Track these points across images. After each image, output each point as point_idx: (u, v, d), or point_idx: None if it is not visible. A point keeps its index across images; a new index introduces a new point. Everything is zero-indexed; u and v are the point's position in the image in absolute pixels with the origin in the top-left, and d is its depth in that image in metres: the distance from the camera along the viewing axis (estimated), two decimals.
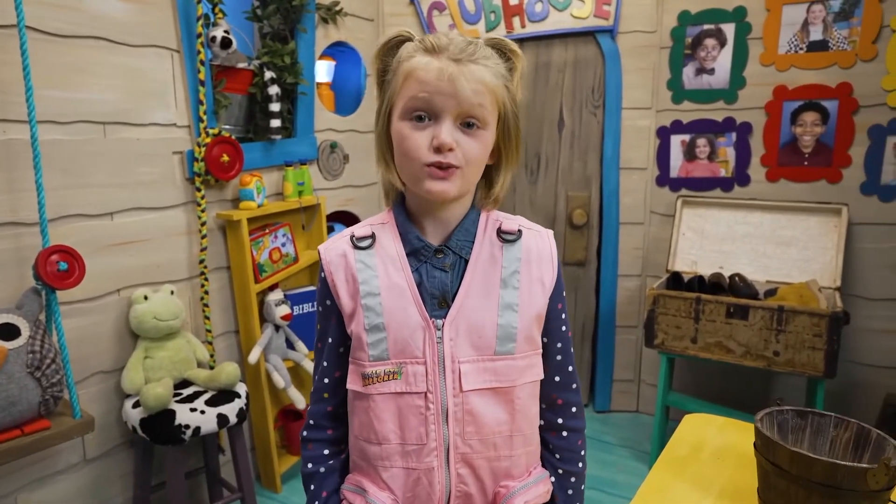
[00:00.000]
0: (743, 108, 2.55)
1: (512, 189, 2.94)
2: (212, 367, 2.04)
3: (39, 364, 1.43)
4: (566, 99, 2.83)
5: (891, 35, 2.25)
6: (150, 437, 1.71)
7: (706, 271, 2.51)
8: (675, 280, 2.47)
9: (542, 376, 0.86)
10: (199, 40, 1.92)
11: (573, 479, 0.91)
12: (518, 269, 0.83)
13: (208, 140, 1.96)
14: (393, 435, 0.81)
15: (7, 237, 1.53)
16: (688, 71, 2.62)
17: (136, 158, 1.83)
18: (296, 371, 2.39)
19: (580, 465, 0.92)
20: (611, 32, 2.68)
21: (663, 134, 2.71)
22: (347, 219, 2.83)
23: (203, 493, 2.16)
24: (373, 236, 0.84)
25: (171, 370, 1.86)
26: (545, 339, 0.86)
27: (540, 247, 0.85)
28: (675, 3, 2.60)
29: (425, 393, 0.79)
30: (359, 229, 0.86)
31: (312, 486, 0.89)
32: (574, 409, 0.91)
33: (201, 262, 2.03)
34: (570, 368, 0.90)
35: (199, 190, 1.99)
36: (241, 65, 2.13)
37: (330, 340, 0.87)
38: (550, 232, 0.88)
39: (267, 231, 2.24)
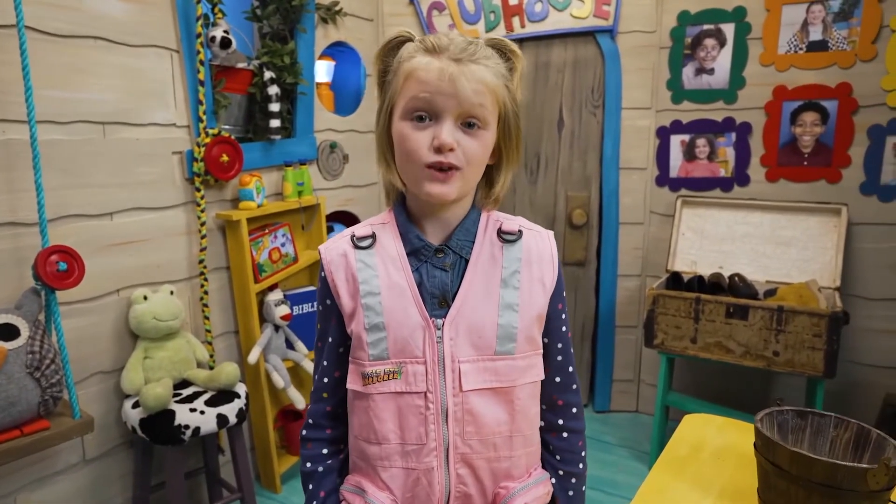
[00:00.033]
0: (742, 108, 2.55)
1: (512, 189, 2.94)
2: (211, 368, 2.04)
3: (39, 364, 1.43)
4: (566, 99, 2.83)
5: (890, 35, 2.25)
6: (150, 438, 1.70)
7: (706, 271, 2.52)
8: (675, 280, 2.47)
9: (542, 377, 0.86)
10: (199, 40, 1.92)
11: (574, 481, 0.91)
12: (518, 269, 0.83)
13: (208, 140, 1.96)
14: (392, 435, 0.81)
15: (6, 237, 1.53)
16: (687, 71, 2.62)
17: (135, 158, 1.83)
18: (295, 371, 2.39)
19: (581, 466, 0.92)
20: (610, 32, 2.68)
21: (663, 134, 2.71)
22: (347, 219, 2.83)
23: (203, 494, 2.16)
24: (373, 236, 0.84)
25: (170, 370, 1.86)
26: (546, 340, 0.87)
27: (540, 247, 0.85)
28: (674, 3, 2.60)
29: (425, 392, 0.79)
30: (359, 229, 0.86)
31: (311, 486, 0.89)
32: (574, 410, 0.91)
33: (201, 262, 2.03)
34: (571, 369, 0.90)
35: (198, 190, 1.99)
36: (241, 65, 2.13)
37: (330, 340, 0.87)
38: (551, 233, 0.88)
39: (266, 231, 2.24)
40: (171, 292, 1.88)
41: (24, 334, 1.44)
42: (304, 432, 0.91)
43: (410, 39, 0.80)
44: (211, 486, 2.11)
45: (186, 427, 1.70)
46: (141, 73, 1.82)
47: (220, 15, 2.03)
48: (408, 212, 0.85)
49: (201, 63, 1.92)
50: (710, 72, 2.58)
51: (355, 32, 2.69)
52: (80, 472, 1.75)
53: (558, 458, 0.91)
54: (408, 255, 0.82)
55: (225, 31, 2.01)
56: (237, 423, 1.83)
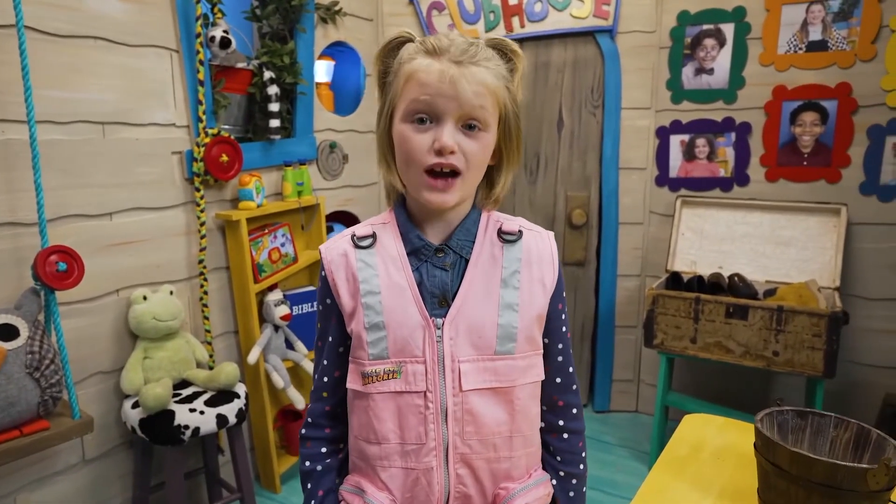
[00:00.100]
0: (742, 108, 2.55)
1: (511, 189, 2.94)
2: (211, 368, 2.04)
3: (38, 365, 1.43)
4: (565, 99, 2.83)
5: (890, 35, 2.25)
6: (150, 438, 1.70)
7: (705, 271, 2.52)
8: (675, 280, 2.47)
9: (542, 377, 0.86)
10: (199, 40, 1.91)
11: (574, 482, 0.91)
12: (518, 270, 0.83)
13: (207, 140, 1.96)
14: (392, 434, 0.81)
15: (6, 237, 1.53)
16: (687, 71, 2.63)
17: (135, 158, 1.82)
18: (295, 371, 2.39)
19: (581, 466, 0.92)
20: (610, 32, 2.68)
21: (662, 134, 2.71)
22: (347, 219, 2.83)
23: (202, 494, 2.16)
24: (374, 236, 0.84)
25: (170, 370, 1.85)
26: (546, 340, 0.87)
27: (541, 248, 0.85)
28: (674, 3, 2.60)
29: (424, 392, 0.79)
30: (360, 229, 0.86)
31: (309, 485, 0.89)
32: (574, 411, 0.91)
33: (200, 262, 2.03)
34: (571, 370, 0.90)
35: (198, 190, 1.99)
36: (241, 65, 2.13)
37: (330, 339, 0.87)
38: (551, 233, 0.88)
39: (266, 231, 2.23)
40: (171, 292, 1.88)
41: (24, 334, 1.44)
42: (303, 431, 0.91)
43: (411, 40, 0.80)
44: (210, 487, 2.10)
45: (186, 427, 1.70)
46: (140, 73, 1.82)
47: (219, 15, 2.03)
48: (408, 212, 0.85)
49: (201, 63, 1.92)
50: (710, 72, 2.58)
51: (355, 32, 2.69)
52: (79, 472, 1.75)
53: (559, 459, 0.91)
54: (408, 254, 0.82)
55: (224, 31, 2.01)
56: (237, 423, 1.82)
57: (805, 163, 2.47)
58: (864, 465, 0.85)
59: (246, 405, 1.88)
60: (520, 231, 0.85)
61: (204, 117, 1.95)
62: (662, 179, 2.75)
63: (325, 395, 0.89)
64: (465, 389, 0.79)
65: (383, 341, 0.80)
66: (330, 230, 2.66)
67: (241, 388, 1.91)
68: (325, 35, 2.53)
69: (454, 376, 0.79)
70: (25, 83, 1.41)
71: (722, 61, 2.55)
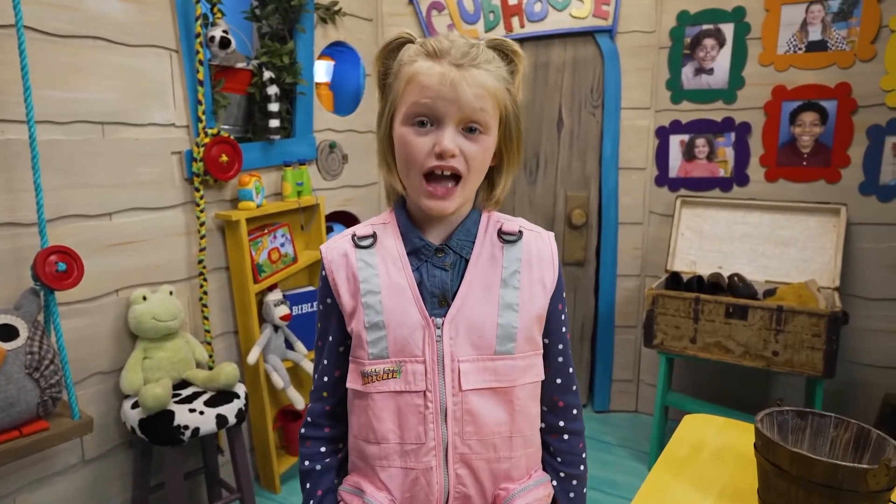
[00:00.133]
0: (742, 108, 2.55)
1: (511, 189, 2.92)
2: (211, 368, 2.04)
3: (38, 365, 1.43)
4: (565, 99, 2.83)
5: (889, 35, 2.25)
6: (149, 438, 1.70)
7: (705, 271, 2.52)
8: (674, 280, 2.47)
9: (542, 377, 0.86)
10: (198, 40, 1.91)
11: (575, 482, 0.91)
12: (518, 270, 0.83)
13: (207, 140, 1.96)
14: (392, 434, 0.81)
15: (5, 238, 1.53)
16: (687, 71, 2.63)
17: (134, 158, 1.82)
18: (295, 371, 2.39)
19: (581, 467, 0.92)
20: (610, 32, 2.68)
21: (662, 134, 2.71)
22: (346, 219, 2.83)
23: (202, 494, 2.16)
24: (374, 236, 0.84)
25: (169, 371, 1.85)
26: (546, 341, 0.87)
27: (541, 248, 0.85)
28: (673, 3, 2.60)
29: (424, 392, 0.79)
30: (360, 229, 0.86)
31: (308, 484, 0.89)
32: (575, 412, 0.91)
33: (200, 262, 2.03)
34: (571, 370, 0.90)
35: (197, 190, 1.99)
36: (240, 65, 2.13)
37: (330, 339, 0.87)
38: (551, 234, 0.88)
39: (266, 231, 2.23)
40: (171, 292, 1.88)
41: (23, 335, 1.44)
42: (303, 431, 0.91)
43: (411, 41, 0.80)
44: (210, 487, 2.10)
45: (186, 427, 1.70)
46: (140, 73, 1.82)
47: (219, 15, 2.03)
48: (408, 212, 0.85)
49: (200, 63, 1.92)
50: (710, 72, 2.58)
51: (354, 32, 2.69)
52: (79, 472, 1.75)
53: (559, 459, 0.91)
54: (408, 254, 0.82)
55: (224, 31, 2.01)
56: (236, 423, 1.82)
57: (805, 163, 2.47)
58: (865, 466, 0.85)
59: (246, 405, 1.88)
60: (520, 231, 0.85)
61: (203, 117, 1.95)
62: (662, 179, 2.75)
63: (324, 394, 0.89)
64: (465, 389, 0.79)
65: (383, 341, 0.80)
66: (329, 230, 2.66)
67: (240, 389, 1.91)
68: (325, 35, 2.53)
69: (454, 376, 0.79)
70: (25, 83, 1.41)
71: (721, 61, 2.55)
